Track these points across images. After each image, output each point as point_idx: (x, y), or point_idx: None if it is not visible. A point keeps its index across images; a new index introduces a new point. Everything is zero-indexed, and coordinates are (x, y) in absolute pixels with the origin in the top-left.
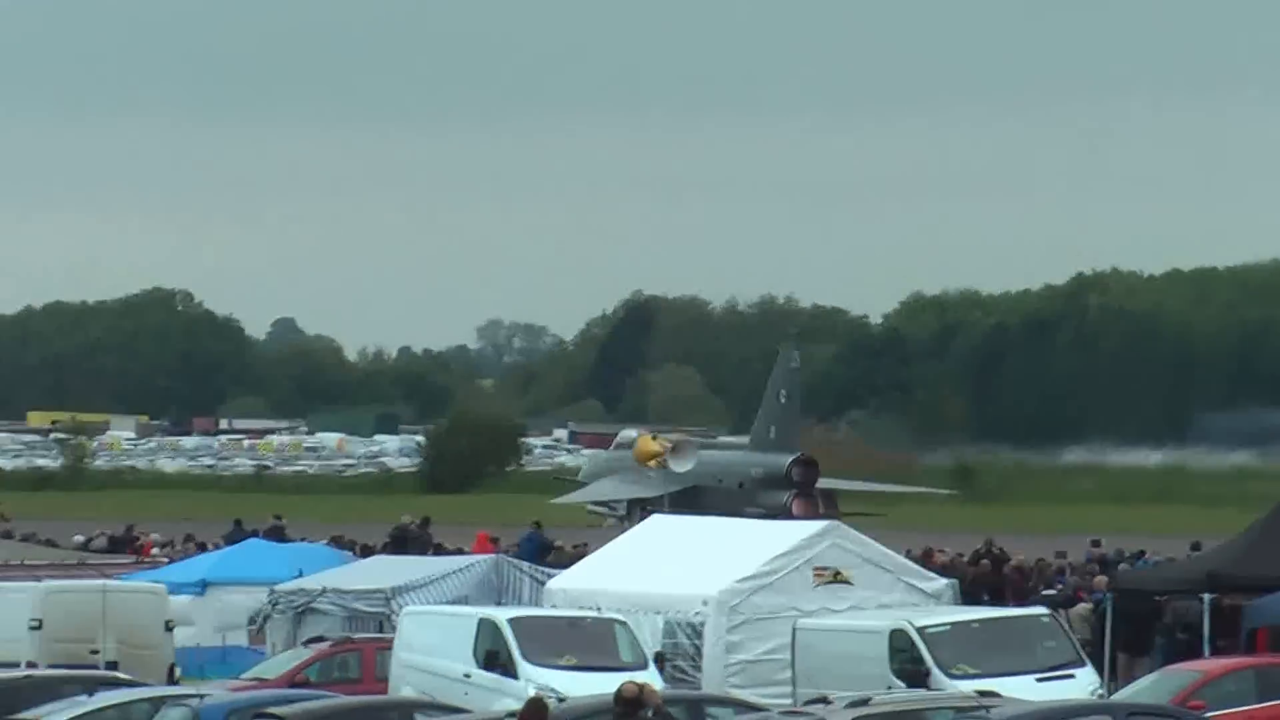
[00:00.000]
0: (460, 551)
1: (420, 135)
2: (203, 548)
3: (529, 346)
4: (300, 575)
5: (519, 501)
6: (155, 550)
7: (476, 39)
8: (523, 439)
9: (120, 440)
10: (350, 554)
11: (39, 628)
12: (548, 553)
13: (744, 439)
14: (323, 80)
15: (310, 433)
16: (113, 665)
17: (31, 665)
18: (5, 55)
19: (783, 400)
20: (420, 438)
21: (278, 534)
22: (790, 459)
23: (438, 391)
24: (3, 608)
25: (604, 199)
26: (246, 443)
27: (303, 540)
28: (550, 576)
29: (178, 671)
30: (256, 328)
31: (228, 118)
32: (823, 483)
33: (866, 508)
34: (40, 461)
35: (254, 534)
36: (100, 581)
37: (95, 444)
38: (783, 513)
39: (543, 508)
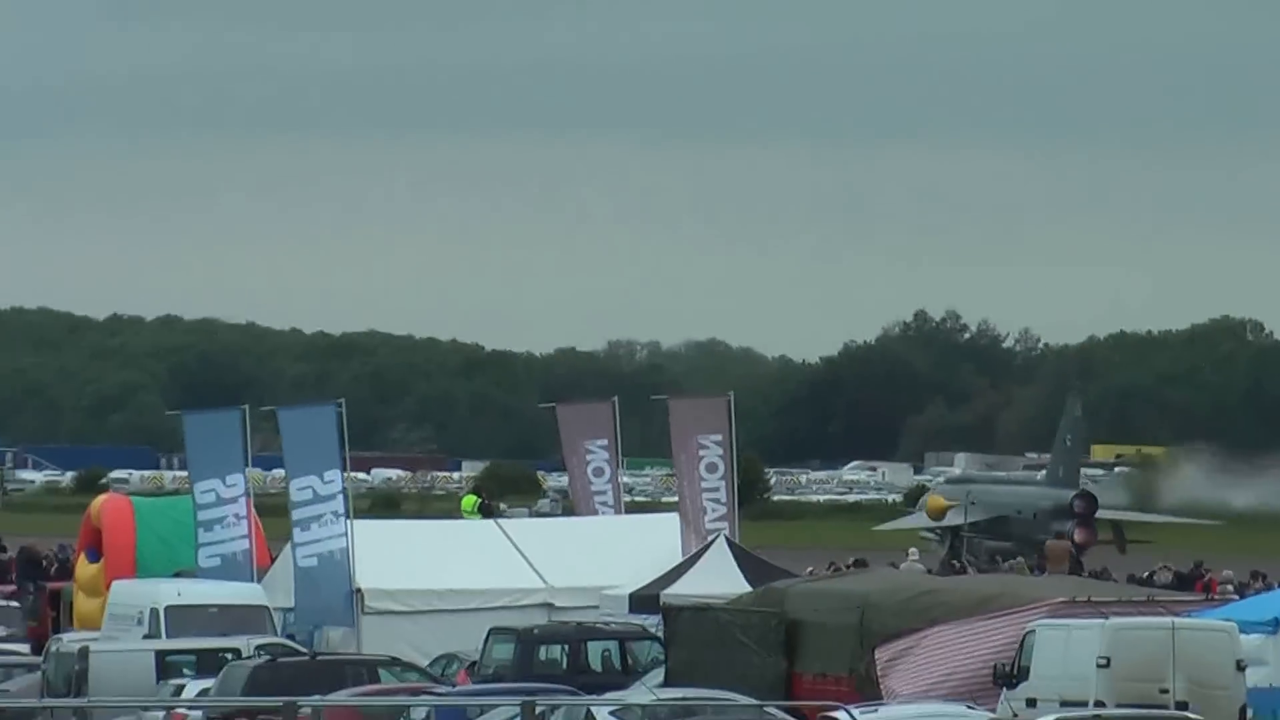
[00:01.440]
0: None
1: None
2: (1270, 586)
3: None
4: None
5: None
6: (1227, 587)
7: None
8: None
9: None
10: None
11: (1106, 665)
12: None
13: None
14: None
15: None
16: (1182, 705)
17: (1099, 704)
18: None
19: (1068, 444)
20: None
21: None
22: (1073, 494)
23: None
24: (1070, 645)
25: None
26: None
27: None
28: None
29: (1249, 713)
30: None
31: None
32: (1101, 513)
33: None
34: None
35: None
36: (1169, 619)
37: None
38: (1068, 538)
39: None
